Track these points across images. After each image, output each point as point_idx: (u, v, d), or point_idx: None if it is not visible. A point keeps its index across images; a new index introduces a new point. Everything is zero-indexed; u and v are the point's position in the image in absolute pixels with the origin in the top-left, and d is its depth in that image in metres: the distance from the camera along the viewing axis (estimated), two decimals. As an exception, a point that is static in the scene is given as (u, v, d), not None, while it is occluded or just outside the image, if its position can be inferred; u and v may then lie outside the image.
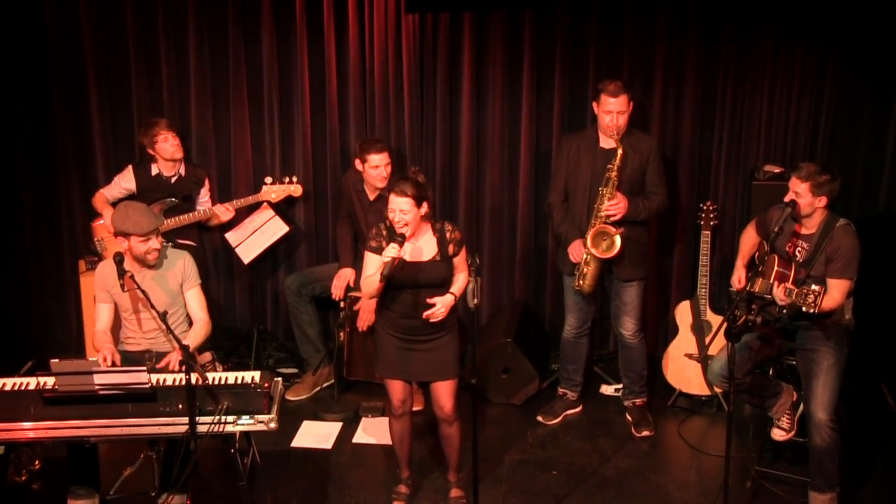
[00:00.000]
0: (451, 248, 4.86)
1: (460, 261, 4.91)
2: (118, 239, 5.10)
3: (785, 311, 4.78)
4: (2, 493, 5.22)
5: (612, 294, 6.00)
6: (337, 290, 6.33)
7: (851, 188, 6.32)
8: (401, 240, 4.70)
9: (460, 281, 4.91)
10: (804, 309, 4.56)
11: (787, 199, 4.89)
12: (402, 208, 4.71)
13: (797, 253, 4.94)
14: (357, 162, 6.23)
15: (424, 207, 4.79)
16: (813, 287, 4.55)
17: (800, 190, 4.83)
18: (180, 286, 5.21)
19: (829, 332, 4.90)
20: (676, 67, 6.39)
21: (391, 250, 4.66)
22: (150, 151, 6.32)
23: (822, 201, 4.83)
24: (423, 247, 4.85)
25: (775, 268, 4.89)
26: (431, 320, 4.78)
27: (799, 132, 6.36)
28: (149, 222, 5.03)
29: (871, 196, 6.39)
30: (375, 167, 6.12)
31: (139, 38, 6.62)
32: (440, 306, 4.77)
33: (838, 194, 4.90)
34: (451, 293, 4.84)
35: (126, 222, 5.00)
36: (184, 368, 4.51)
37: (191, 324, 5.28)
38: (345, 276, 6.32)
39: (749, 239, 5.29)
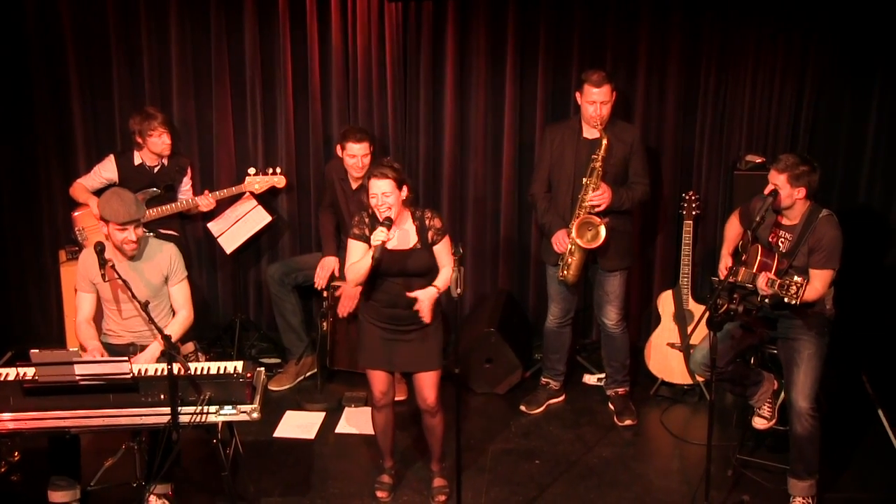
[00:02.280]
0: (430, 235, 4.85)
1: (443, 251, 4.88)
2: (100, 223, 5.06)
3: (767, 300, 4.79)
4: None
5: (595, 284, 6.01)
6: (320, 280, 6.31)
7: (833, 178, 6.36)
8: (388, 223, 4.68)
9: (444, 274, 4.89)
10: (786, 300, 4.57)
11: (766, 192, 4.89)
12: (384, 191, 4.69)
13: (780, 243, 4.95)
14: (338, 148, 6.22)
15: (405, 191, 4.78)
16: (795, 278, 4.56)
17: (778, 182, 4.84)
18: (164, 279, 5.16)
19: (811, 322, 4.92)
20: (659, 57, 6.40)
21: (380, 234, 4.64)
22: (138, 139, 6.27)
23: (801, 192, 4.84)
24: (404, 235, 4.84)
25: (758, 258, 4.90)
26: (421, 316, 4.78)
27: (780, 122, 6.38)
28: (126, 213, 4.94)
29: (852, 186, 6.44)
30: (353, 156, 6.10)
31: (120, 25, 6.56)
32: (424, 300, 4.77)
33: (819, 185, 4.91)
34: (434, 286, 4.83)
35: (106, 207, 4.94)
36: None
37: (174, 316, 5.25)
38: (328, 265, 6.31)
39: (733, 229, 5.30)
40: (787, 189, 4.83)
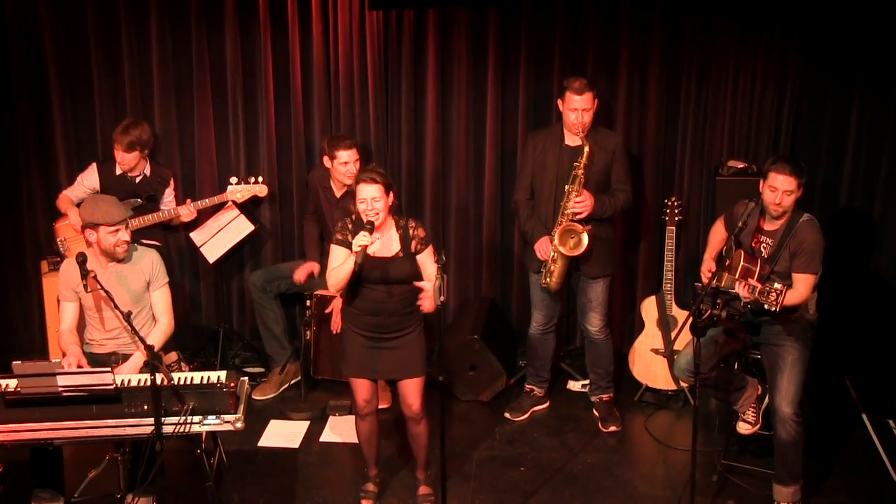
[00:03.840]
0: (413, 245, 4.85)
1: (427, 260, 4.87)
2: (86, 232, 5.04)
3: (749, 306, 4.80)
4: (-36, 498, 5.17)
5: (578, 291, 6.02)
6: (300, 273, 6.30)
7: (814, 183, 6.36)
8: (370, 227, 4.68)
9: (430, 271, 4.86)
10: (766, 307, 4.59)
11: (777, 201, 4.81)
12: (373, 195, 4.70)
13: (762, 248, 4.97)
14: (325, 159, 6.21)
15: (391, 196, 4.78)
16: (775, 286, 4.58)
17: (791, 186, 4.79)
18: (146, 285, 5.16)
19: (793, 327, 4.94)
20: (640, 64, 6.43)
21: (363, 238, 4.63)
22: (112, 146, 6.28)
23: (800, 194, 4.85)
24: (387, 243, 4.84)
25: (741, 263, 4.91)
26: (420, 303, 4.76)
27: (762, 127, 6.41)
28: (118, 213, 5.00)
29: (833, 190, 6.46)
30: (344, 163, 6.10)
31: (101, 35, 6.54)
32: (428, 291, 4.72)
33: (802, 188, 4.95)
34: (426, 283, 4.78)
35: (95, 213, 4.96)
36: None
37: (156, 324, 5.24)
38: (309, 264, 6.30)
39: (717, 234, 5.31)
40: (797, 193, 4.83)
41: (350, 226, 4.84)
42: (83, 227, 5.06)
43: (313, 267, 6.33)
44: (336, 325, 6.07)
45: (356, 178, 4.84)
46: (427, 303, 4.76)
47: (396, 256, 4.83)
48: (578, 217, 5.62)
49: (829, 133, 6.41)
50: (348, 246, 4.76)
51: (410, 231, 4.86)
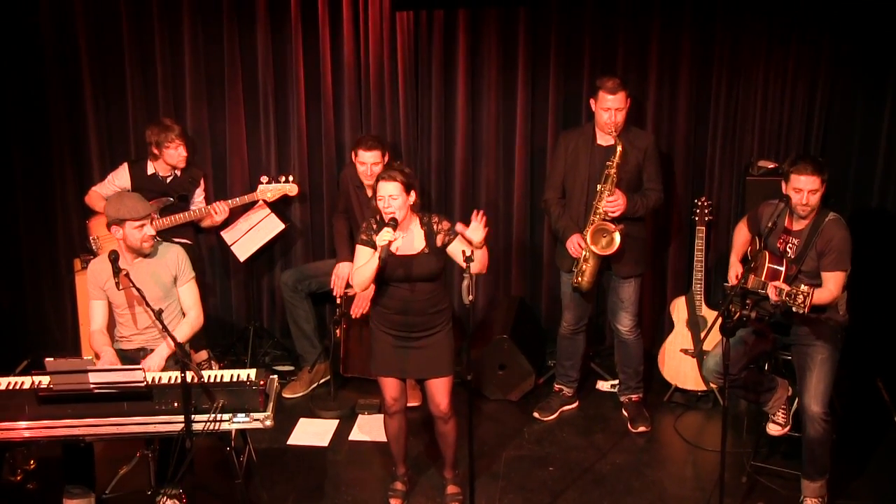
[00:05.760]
0: (439, 239, 4.85)
1: (460, 247, 4.80)
2: (112, 229, 5.08)
3: (779, 308, 4.78)
4: (-3, 493, 5.24)
5: (609, 290, 6.00)
6: (337, 288, 6.31)
7: (845, 182, 6.35)
8: (394, 224, 4.70)
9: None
10: (794, 309, 4.56)
11: (804, 201, 4.79)
12: (390, 193, 4.72)
13: (788, 249, 4.94)
14: (352, 154, 6.23)
15: (413, 196, 4.80)
16: (802, 288, 4.55)
17: (816, 186, 4.78)
18: (173, 280, 5.20)
19: (822, 329, 4.91)
20: (670, 62, 6.39)
21: (385, 234, 4.65)
22: (154, 150, 6.30)
23: (823, 190, 4.83)
24: (411, 240, 4.85)
25: (767, 264, 4.89)
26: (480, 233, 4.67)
27: (793, 125, 6.36)
28: (143, 207, 5.03)
29: (865, 189, 6.41)
30: (363, 164, 6.10)
31: (134, 35, 6.59)
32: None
33: (832, 188, 4.90)
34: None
35: (121, 209, 4.99)
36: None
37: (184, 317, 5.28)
38: (342, 272, 6.30)
39: (741, 236, 5.29)
40: (822, 190, 4.81)
41: (374, 225, 4.85)
42: (109, 224, 5.08)
43: (347, 272, 6.23)
44: (357, 309, 6.06)
45: (377, 176, 4.86)
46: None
47: (422, 253, 4.84)
48: (611, 216, 5.60)
49: (860, 131, 6.35)
50: (373, 245, 4.78)
51: (434, 226, 4.87)
